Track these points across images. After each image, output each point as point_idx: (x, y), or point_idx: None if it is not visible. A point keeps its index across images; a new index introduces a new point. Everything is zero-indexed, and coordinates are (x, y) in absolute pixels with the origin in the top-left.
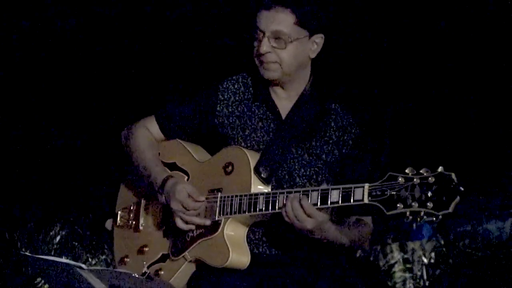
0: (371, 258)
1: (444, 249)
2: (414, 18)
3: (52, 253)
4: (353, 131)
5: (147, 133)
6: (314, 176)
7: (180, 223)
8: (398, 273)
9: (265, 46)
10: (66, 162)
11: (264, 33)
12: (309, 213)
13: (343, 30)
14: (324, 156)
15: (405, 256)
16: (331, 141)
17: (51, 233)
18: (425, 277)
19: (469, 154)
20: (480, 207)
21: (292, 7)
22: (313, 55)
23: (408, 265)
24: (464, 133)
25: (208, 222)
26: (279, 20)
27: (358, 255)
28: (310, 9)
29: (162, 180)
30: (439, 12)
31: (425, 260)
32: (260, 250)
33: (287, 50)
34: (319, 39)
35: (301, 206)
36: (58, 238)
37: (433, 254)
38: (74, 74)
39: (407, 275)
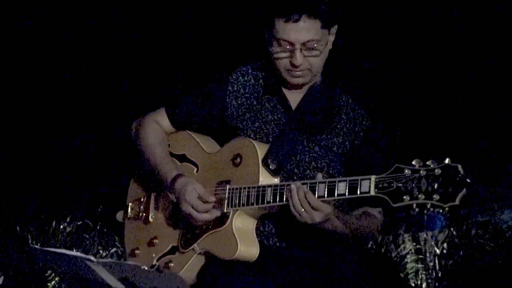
0: (383, 249)
1: (456, 239)
2: (423, 9)
3: (62, 246)
4: (364, 123)
5: (156, 127)
6: (326, 169)
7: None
8: (410, 264)
9: (300, 58)
10: (77, 155)
11: (294, 45)
12: (315, 206)
13: (354, 20)
14: (335, 148)
15: (417, 246)
16: (342, 133)
17: (61, 226)
18: (437, 268)
19: (481, 144)
20: (492, 197)
21: (317, 13)
22: (331, 47)
23: (420, 256)
24: (475, 124)
25: (218, 213)
26: (309, 29)
27: (369, 245)
28: (330, 7)
29: (171, 179)
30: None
31: (438, 251)
32: (270, 242)
33: (320, 56)
34: (334, 29)
35: (307, 199)
36: (68, 230)
37: (445, 245)
38: (83, 65)
39: (419, 266)
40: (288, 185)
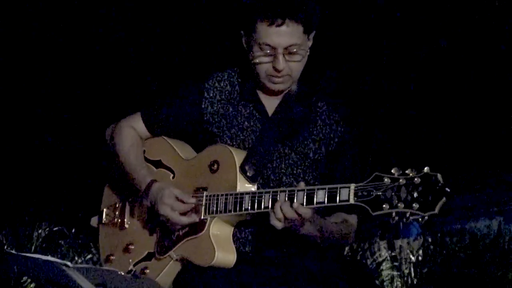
0: (359, 256)
1: (432, 247)
2: (401, 14)
3: (37, 252)
4: (340, 129)
5: (132, 132)
6: (301, 175)
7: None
8: (386, 271)
9: (283, 63)
10: (51, 160)
11: (276, 49)
12: (300, 213)
13: (330, 25)
14: (311, 154)
15: (393, 254)
16: (318, 139)
17: (36, 232)
18: (413, 275)
19: (456, 152)
20: (467, 205)
21: (300, 18)
22: (309, 53)
23: (395, 263)
24: (451, 132)
25: (196, 217)
26: (291, 34)
27: (345, 252)
28: (312, 13)
29: (146, 185)
30: (426, 11)
31: (413, 258)
32: (247, 248)
33: (301, 61)
34: (312, 35)
35: (293, 208)
36: (43, 236)
37: (420, 252)
38: (62, 71)
39: (395, 273)
40: (268, 192)
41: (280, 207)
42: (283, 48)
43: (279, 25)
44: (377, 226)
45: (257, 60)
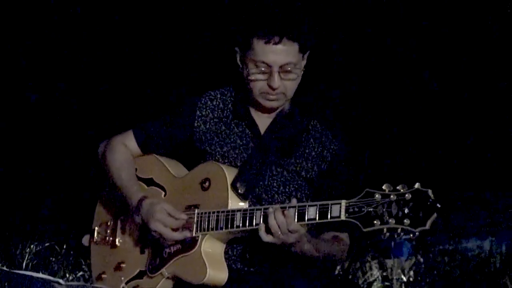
0: (350, 276)
1: (423, 266)
2: (391, 37)
3: (29, 268)
4: (332, 147)
5: (124, 150)
6: (294, 193)
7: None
8: None
9: (278, 81)
10: (43, 177)
11: (272, 67)
12: (292, 229)
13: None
14: (303, 172)
15: (384, 273)
16: (310, 158)
17: (28, 249)
18: None
19: (448, 171)
20: (459, 225)
21: (297, 36)
22: (303, 72)
23: (387, 283)
24: (443, 150)
25: (187, 233)
26: (287, 53)
27: (336, 272)
28: (308, 33)
29: (137, 201)
30: (411, 30)
31: (404, 278)
32: (239, 266)
33: (296, 80)
34: (307, 55)
35: (286, 221)
36: (34, 251)
37: (412, 272)
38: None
39: None
40: (259, 209)
41: (274, 216)
42: (278, 66)
43: (275, 43)
44: (368, 245)
45: (252, 77)
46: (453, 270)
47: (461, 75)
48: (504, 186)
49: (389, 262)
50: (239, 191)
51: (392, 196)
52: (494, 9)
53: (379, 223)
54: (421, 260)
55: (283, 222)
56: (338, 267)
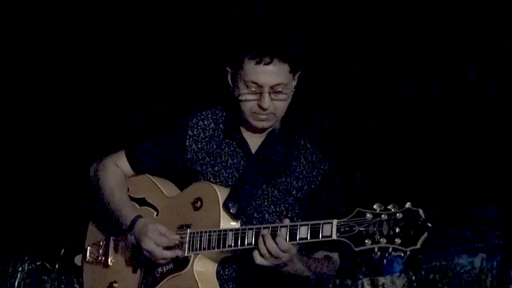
0: None
1: (415, 284)
2: (381, 53)
3: (21, 287)
4: (322, 166)
5: (116, 170)
6: (284, 212)
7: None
8: None
9: (268, 101)
10: (36, 196)
11: (262, 87)
12: (284, 249)
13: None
14: (294, 192)
15: None
16: (301, 177)
17: (20, 267)
18: None
19: (439, 189)
20: (450, 241)
21: (288, 57)
22: (293, 92)
23: None
24: (434, 169)
25: (179, 252)
26: (278, 73)
27: None
28: (299, 53)
29: (131, 221)
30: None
31: None
32: (230, 285)
33: (286, 100)
34: (297, 75)
35: (276, 243)
36: (27, 272)
37: None
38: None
39: None
40: (251, 228)
41: (263, 241)
42: (269, 86)
43: (266, 64)
44: (360, 263)
45: (242, 98)
46: (445, 287)
47: (448, 95)
48: (495, 202)
49: (380, 280)
50: (231, 210)
51: (383, 216)
52: (491, 16)
53: (370, 242)
54: (413, 277)
55: (273, 247)
56: (330, 286)
